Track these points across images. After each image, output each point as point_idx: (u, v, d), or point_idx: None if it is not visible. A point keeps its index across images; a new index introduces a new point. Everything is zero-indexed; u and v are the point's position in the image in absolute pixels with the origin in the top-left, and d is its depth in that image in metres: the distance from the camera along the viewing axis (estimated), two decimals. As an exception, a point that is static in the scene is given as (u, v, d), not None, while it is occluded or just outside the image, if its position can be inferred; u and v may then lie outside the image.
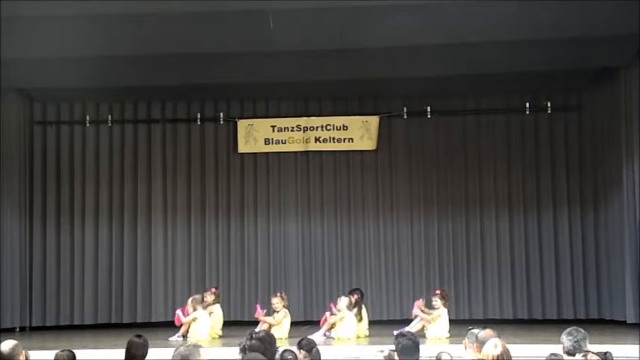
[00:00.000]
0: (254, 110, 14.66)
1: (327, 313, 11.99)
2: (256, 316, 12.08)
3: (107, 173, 14.56)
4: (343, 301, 11.80)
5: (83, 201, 14.47)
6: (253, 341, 4.58)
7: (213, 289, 12.72)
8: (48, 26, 10.68)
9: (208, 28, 10.92)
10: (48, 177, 14.53)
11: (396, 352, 5.29)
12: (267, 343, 4.58)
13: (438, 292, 11.99)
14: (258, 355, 4.36)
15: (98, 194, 14.50)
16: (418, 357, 5.31)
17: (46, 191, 14.50)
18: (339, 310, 11.77)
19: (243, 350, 4.59)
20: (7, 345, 5.53)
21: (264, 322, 11.83)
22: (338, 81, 13.23)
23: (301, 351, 5.66)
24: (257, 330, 5.75)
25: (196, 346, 4.34)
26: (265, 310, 12.05)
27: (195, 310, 11.94)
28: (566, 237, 14.05)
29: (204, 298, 12.25)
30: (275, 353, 4.90)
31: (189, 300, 12.17)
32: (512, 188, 14.27)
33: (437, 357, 5.77)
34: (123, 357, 6.18)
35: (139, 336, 6.28)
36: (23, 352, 5.64)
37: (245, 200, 14.53)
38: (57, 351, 6.32)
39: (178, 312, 12.08)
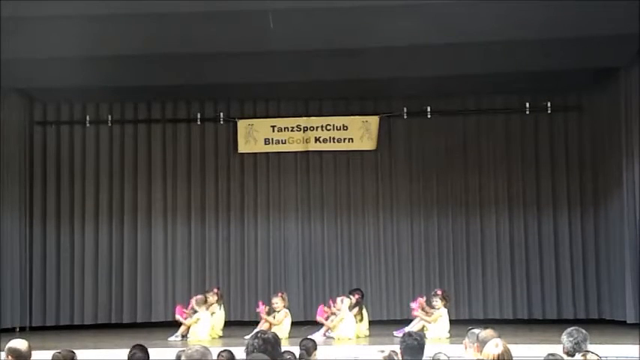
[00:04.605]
0: (254, 110, 14.66)
1: (325, 308, 12.00)
2: (258, 311, 12.06)
3: (107, 173, 14.56)
4: (346, 302, 11.80)
5: (83, 201, 14.47)
6: (259, 341, 4.58)
7: (216, 290, 12.71)
8: (48, 26, 10.68)
9: (208, 28, 10.91)
10: (48, 177, 14.53)
11: (399, 352, 5.29)
12: (272, 343, 4.58)
13: (439, 292, 11.98)
14: (262, 355, 4.37)
15: (98, 194, 14.50)
16: (422, 357, 5.31)
17: (46, 191, 14.50)
18: (338, 310, 11.77)
19: (248, 350, 4.59)
20: (24, 344, 5.54)
21: (266, 320, 11.83)
22: (338, 81, 13.23)
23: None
24: (258, 329, 5.75)
25: (206, 348, 4.36)
26: (267, 308, 12.03)
27: (198, 310, 11.94)
28: (566, 237, 14.05)
29: (207, 299, 12.25)
30: (280, 354, 4.90)
31: (193, 300, 12.15)
32: (512, 188, 14.27)
33: (434, 357, 5.77)
34: (123, 357, 6.15)
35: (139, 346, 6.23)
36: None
37: (245, 200, 14.53)
38: (54, 351, 6.31)
39: (178, 317, 12.06)
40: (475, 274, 14.15)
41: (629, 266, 12.37)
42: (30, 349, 5.55)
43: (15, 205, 13.85)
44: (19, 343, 5.55)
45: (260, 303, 12.18)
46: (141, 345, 6.33)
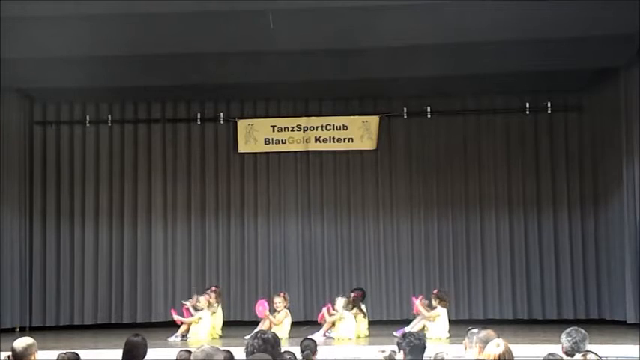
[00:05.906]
0: (254, 110, 14.66)
1: (324, 309, 12.00)
2: (259, 313, 12.03)
3: (107, 173, 14.56)
4: (340, 301, 11.80)
5: (83, 201, 14.47)
6: (258, 341, 4.57)
7: (214, 288, 12.71)
8: (48, 26, 10.68)
9: (208, 28, 10.92)
10: (48, 177, 14.53)
11: (403, 352, 5.29)
12: (272, 343, 4.58)
13: (434, 291, 12.02)
14: (264, 355, 4.36)
15: (98, 194, 14.50)
16: (423, 357, 5.31)
17: (46, 191, 14.50)
18: (336, 311, 11.78)
19: (248, 350, 4.58)
20: (22, 343, 5.48)
21: (267, 318, 11.82)
22: (338, 81, 13.23)
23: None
24: (258, 329, 5.75)
25: (217, 348, 4.36)
26: (268, 308, 12.03)
27: (201, 309, 11.94)
28: (566, 237, 14.05)
29: (209, 299, 12.25)
30: (280, 354, 4.90)
31: (202, 298, 12.14)
32: (512, 188, 14.27)
33: (435, 357, 5.76)
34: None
35: (136, 335, 6.18)
36: (36, 352, 5.58)
37: (245, 200, 14.53)
38: (59, 352, 6.28)
39: (176, 317, 12.07)
40: (475, 274, 14.15)
41: (629, 266, 12.37)
42: (28, 348, 5.49)
43: (15, 205, 13.86)
44: (17, 342, 5.51)
45: (264, 301, 12.12)
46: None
